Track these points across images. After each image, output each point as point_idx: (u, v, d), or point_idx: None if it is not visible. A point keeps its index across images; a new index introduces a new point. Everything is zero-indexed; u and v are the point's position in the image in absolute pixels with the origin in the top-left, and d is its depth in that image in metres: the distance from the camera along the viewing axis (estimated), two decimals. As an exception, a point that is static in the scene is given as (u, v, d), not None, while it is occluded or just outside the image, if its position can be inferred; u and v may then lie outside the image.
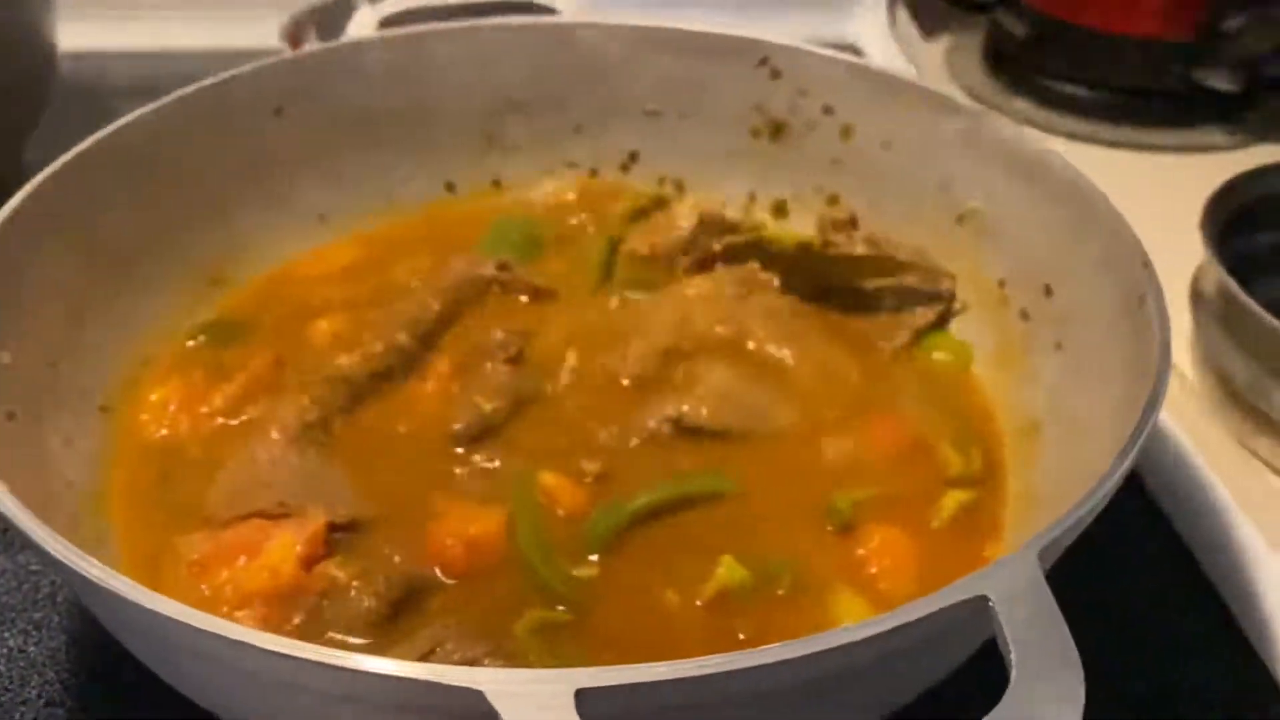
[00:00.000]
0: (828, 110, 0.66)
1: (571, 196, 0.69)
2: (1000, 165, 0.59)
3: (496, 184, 0.70)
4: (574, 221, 0.68)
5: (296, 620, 0.45)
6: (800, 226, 0.67)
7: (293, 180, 0.65)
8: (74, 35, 0.82)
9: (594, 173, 0.71)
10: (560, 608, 0.46)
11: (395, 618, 0.45)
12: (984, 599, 0.33)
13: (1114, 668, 0.49)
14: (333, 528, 0.48)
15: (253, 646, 0.32)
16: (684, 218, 0.65)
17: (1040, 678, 0.31)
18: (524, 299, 0.62)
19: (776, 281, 0.62)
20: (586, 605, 0.46)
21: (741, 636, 0.45)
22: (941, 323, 0.61)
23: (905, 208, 0.64)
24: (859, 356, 0.59)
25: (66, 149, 0.55)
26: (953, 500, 0.51)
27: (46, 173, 0.53)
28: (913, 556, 0.49)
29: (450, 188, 0.70)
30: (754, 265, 0.63)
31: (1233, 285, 0.60)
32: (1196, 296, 0.66)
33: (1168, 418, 0.63)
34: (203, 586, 0.46)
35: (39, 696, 0.48)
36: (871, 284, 0.62)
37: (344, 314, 0.60)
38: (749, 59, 0.67)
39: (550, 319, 0.61)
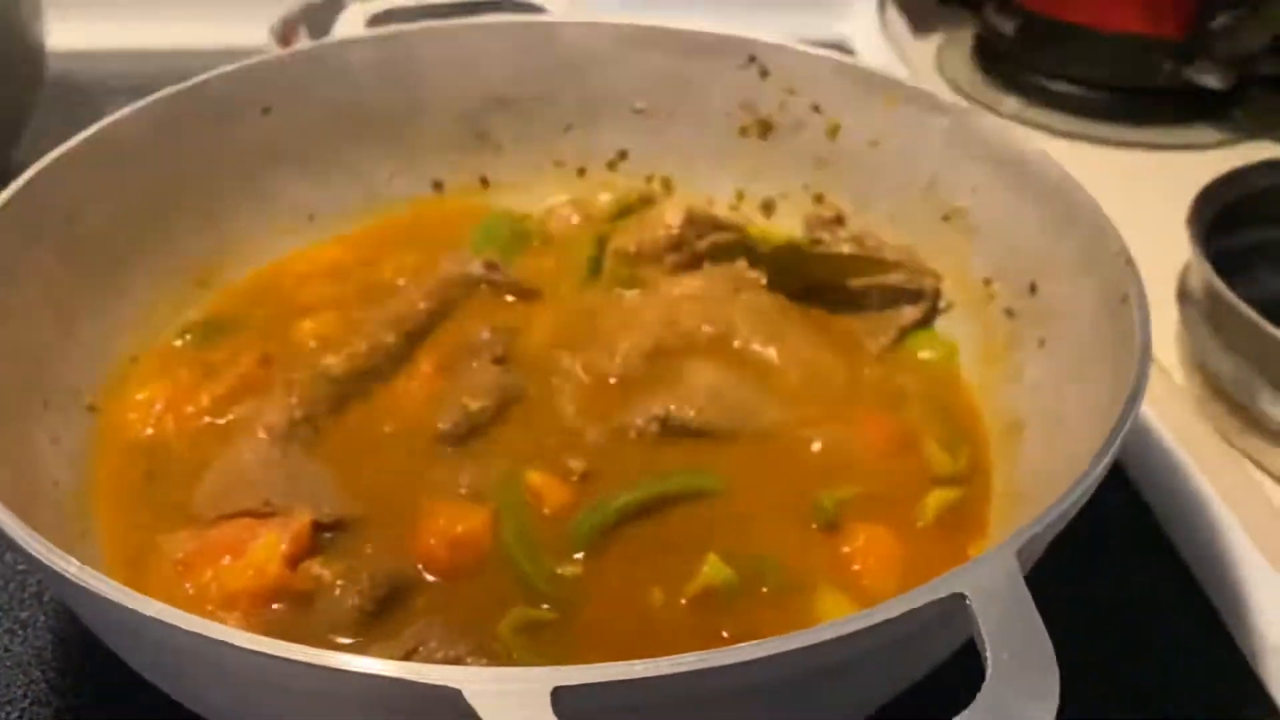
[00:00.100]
0: (815, 109, 0.66)
1: (559, 195, 0.69)
2: (985, 163, 0.59)
3: (484, 182, 0.70)
4: (561, 220, 0.68)
5: (281, 619, 0.45)
6: (787, 225, 0.68)
7: (281, 179, 0.65)
8: (62, 33, 0.82)
9: (582, 171, 0.71)
10: (545, 606, 0.46)
11: (380, 616, 0.45)
12: (961, 596, 0.33)
13: (1100, 665, 0.50)
14: (318, 527, 0.48)
15: (232, 645, 0.32)
16: (671, 216, 0.65)
17: (1015, 675, 0.31)
18: (511, 298, 0.62)
19: (763, 280, 0.62)
20: (571, 603, 0.46)
21: (726, 635, 0.45)
22: (927, 321, 0.61)
23: (892, 206, 0.64)
24: (845, 355, 0.59)
25: (54, 147, 0.55)
26: (937, 498, 0.52)
27: (33, 171, 0.53)
28: (897, 555, 0.49)
29: (438, 186, 0.70)
30: (741, 263, 0.63)
31: (1218, 283, 0.60)
32: (1183, 294, 0.66)
33: (1154, 414, 0.63)
34: (188, 585, 0.46)
35: (25, 696, 0.48)
36: (858, 282, 0.62)
37: (331, 313, 0.60)
38: (737, 57, 0.67)
39: (537, 317, 0.61)
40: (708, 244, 0.64)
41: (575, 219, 0.68)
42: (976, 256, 0.60)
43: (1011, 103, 0.94)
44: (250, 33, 0.77)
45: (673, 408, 0.54)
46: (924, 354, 0.60)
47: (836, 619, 0.32)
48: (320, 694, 0.34)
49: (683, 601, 0.46)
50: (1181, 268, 0.67)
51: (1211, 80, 0.86)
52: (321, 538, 0.48)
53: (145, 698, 0.41)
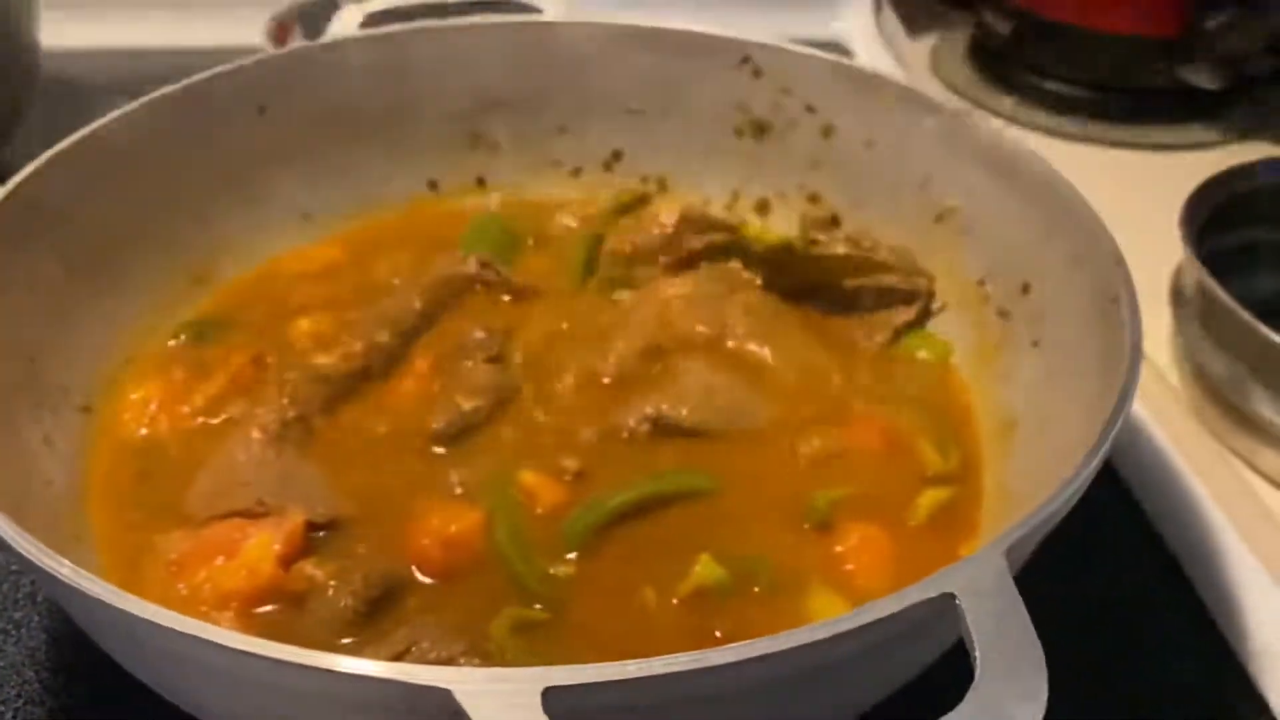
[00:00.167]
0: (809, 109, 0.66)
1: (554, 194, 0.69)
2: (978, 164, 0.59)
3: (480, 182, 0.70)
4: (556, 220, 0.68)
5: (274, 619, 0.45)
6: (782, 225, 0.68)
7: (275, 179, 0.65)
8: (57, 32, 0.82)
9: (577, 171, 0.71)
10: (538, 606, 0.46)
11: (373, 617, 0.45)
12: (950, 596, 0.33)
13: (1091, 665, 0.50)
14: (311, 527, 0.48)
15: (224, 646, 0.32)
16: (666, 216, 0.65)
17: (1004, 676, 0.31)
18: (505, 297, 0.62)
19: (758, 280, 0.63)
20: (564, 603, 0.46)
21: (718, 634, 0.46)
22: (921, 321, 0.61)
23: (886, 206, 0.64)
24: (839, 355, 0.59)
25: (48, 146, 0.55)
26: (930, 498, 0.52)
27: (27, 170, 0.53)
28: (890, 555, 0.50)
29: (433, 186, 0.70)
30: (735, 264, 0.63)
31: (1211, 283, 0.61)
32: (1176, 294, 0.66)
33: (1146, 414, 0.64)
34: (181, 586, 0.47)
35: (18, 696, 0.48)
36: (852, 283, 0.62)
37: (325, 313, 0.60)
38: (731, 58, 0.67)
39: (531, 317, 0.61)
40: (702, 244, 0.64)
41: (570, 219, 0.68)
42: (970, 257, 0.60)
43: (1007, 102, 0.94)
44: (245, 32, 0.77)
45: (666, 407, 0.54)
46: (917, 354, 0.60)
47: (826, 619, 0.33)
48: (312, 695, 0.34)
49: (675, 601, 0.46)
50: (1175, 267, 0.67)
51: (1205, 80, 0.86)
52: (314, 538, 0.48)
53: (138, 698, 0.41)
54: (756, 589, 0.47)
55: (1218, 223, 0.66)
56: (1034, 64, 0.93)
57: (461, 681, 0.31)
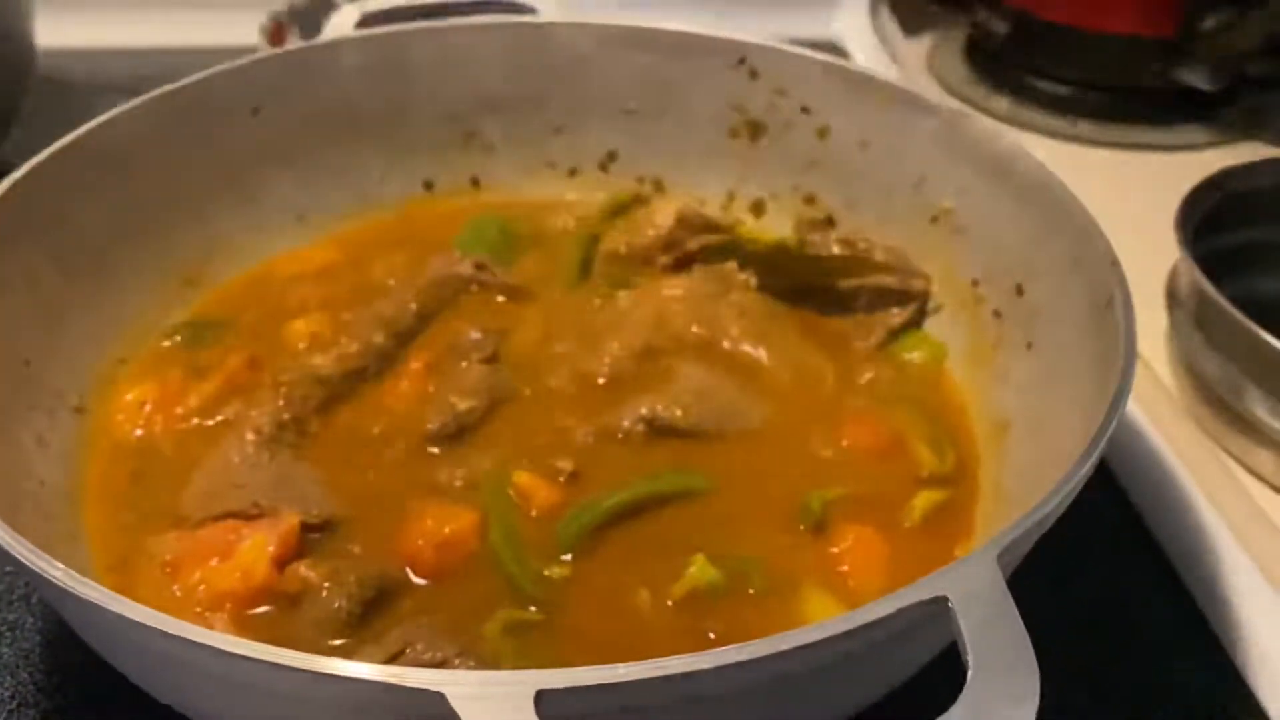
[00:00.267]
0: (805, 110, 0.66)
1: (549, 195, 0.69)
2: (973, 165, 0.59)
3: (475, 182, 0.70)
4: (552, 220, 0.68)
5: (268, 621, 0.45)
6: (778, 226, 0.68)
7: (270, 179, 0.65)
8: (52, 32, 0.82)
9: (573, 171, 0.71)
10: (532, 608, 0.46)
11: (367, 618, 0.45)
12: (943, 599, 0.33)
13: (1085, 667, 0.50)
14: (306, 528, 0.48)
15: (216, 649, 0.32)
16: (662, 217, 0.66)
17: (996, 678, 0.31)
18: (501, 298, 0.62)
19: (753, 281, 0.63)
20: (559, 605, 0.46)
21: (712, 636, 0.46)
22: (916, 322, 0.61)
23: (881, 207, 0.64)
24: (834, 356, 0.59)
25: (43, 146, 0.55)
26: (925, 499, 0.52)
27: (21, 171, 0.53)
28: (885, 556, 0.50)
29: (429, 187, 0.70)
30: (731, 264, 0.63)
31: (1206, 284, 0.61)
32: (1172, 295, 0.66)
33: (1141, 415, 0.64)
34: (175, 587, 0.47)
35: (12, 697, 0.48)
36: (847, 284, 0.62)
37: (320, 314, 0.60)
38: (727, 58, 0.67)
39: (527, 318, 0.61)
40: (698, 245, 0.65)
41: (566, 219, 0.68)
42: (964, 258, 0.60)
43: (1003, 103, 0.94)
44: (241, 32, 0.77)
45: (661, 408, 0.54)
46: (912, 355, 0.60)
47: (817, 622, 0.33)
48: (304, 697, 0.34)
49: (670, 603, 0.46)
50: (1170, 269, 0.67)
51: (1201, 81, 0.87)
52: (309, 539, 0.48)
53: (132, 700, 0.41)
54: (751, 590, 0.47)
55: (1213, 224, 0.65)
56: (1030, 64, 0.93)
57: (454, 684, 0.31)
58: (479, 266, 0.63)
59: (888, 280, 0.61)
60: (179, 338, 0.59)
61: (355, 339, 0.57)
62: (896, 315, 0.61)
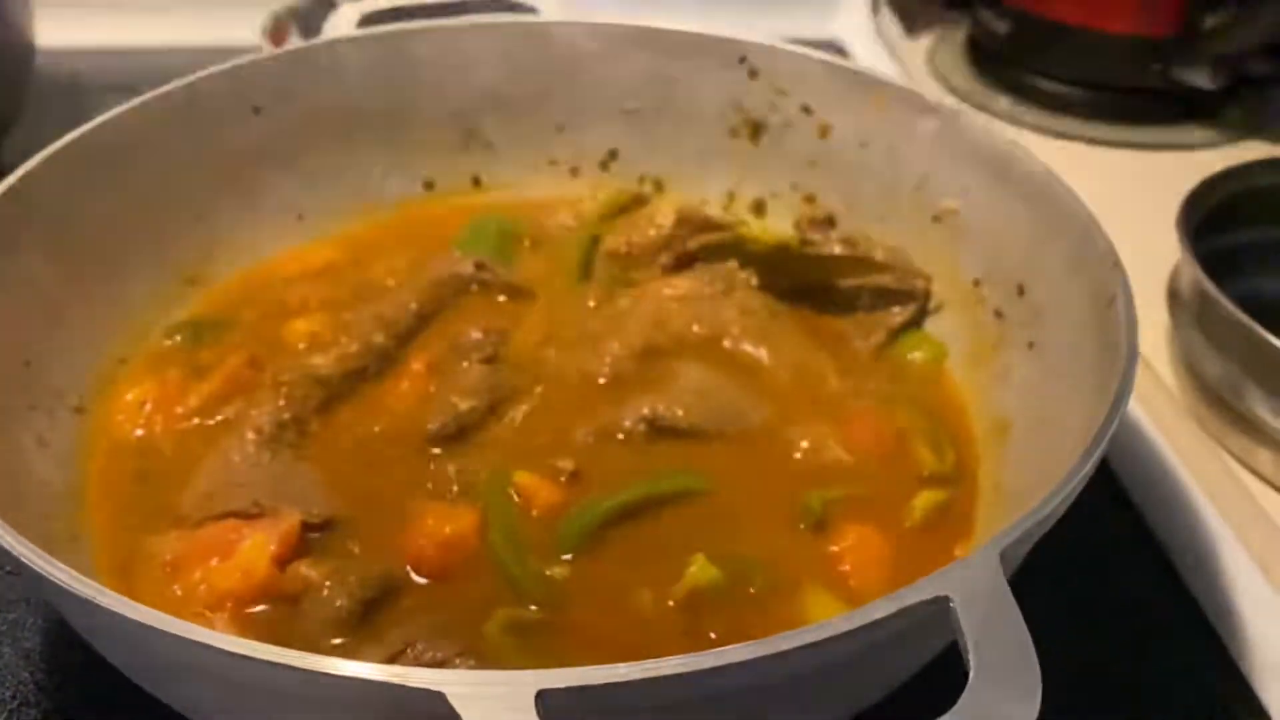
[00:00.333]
0: (806, 109, 0.66)
1: (550, 194, 0.69)
2: (974, 164, 0.59)
3: (476, 182, 0.70)
4: (553, 220, 0.68)
5: (269, 620, 0.45)
6: (778, 225, 0.68)
7: (271, 179, 0.65)
8: (52, 31, 0.82)
9: (574, 171, 0.71)
10: (533, 607, 0.46)
11: (368, 617, 0.45)
12: (945, 599, 0.33)
13: (1086, 667, 0.50)
14: (306, 528, 0.48)
15: (217, 649, 0.32)
16: (663, 216, 0.66)
17: (997, 678, 0.31)
18: (502, 298, 0.62)
19: (754, 280, 0.62)
20: (559, 605, 0.46)
21: (713, 635, 0.46)
22: (917, 322, 0.61)
23: (882, 207, 0.64)
24: (835, 355, 0.59)
25: (43, 146, 0.55)
26: (926, 499, 0.52)
27: (21, 171, 0.53)
28: (886, 555, 0.50)
29: (429, 186, 0.70)
30: (732, 264, 0.63)
31: (1208, 283, 0.60)
32: (1173, 295, 0.66)
33: (1143, 415, 0.64)
34: (176, 587, 0.46)
35: (14, 697, 0.48)
36: (848, 283, 0.62)
37: (321, 314, 0.60)
38: (727, 58, 0.67)
39: (527, 318, 0.61)
40: (698, 244, 0.65)
41: (567, 219, 0.68)
42: (965, 258, 0.60)
43: (1003, 102, 0.94)
44: (241, 32, 0.77)
45: (662, 408, 0.54)
46: (913, 355, 0.60)
47: (818, 622, 0.33)
48: (305, 697, 0.34)
49: (670, 603, 0.46)
50: (1171, 268, 0.67)
51: (1202, 80, 0.86)
52: (310, 539, 0.48)
53: (133, 699, 0.41)
54: (752, 590, 0.47)
55: (1215, 223, 0.65)
56: (1031, 64, 0.93)
57: (454, 684, 0.31)
58: (479, 266, 0.63)
59: (888, 280, 0.61)
60: (179, 337, 0.59)
61: (356, 339, 0.57)
62: (897, 315, 0.61)
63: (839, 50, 1.00)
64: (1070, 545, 0.44)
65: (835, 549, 0.49)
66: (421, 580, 0.47)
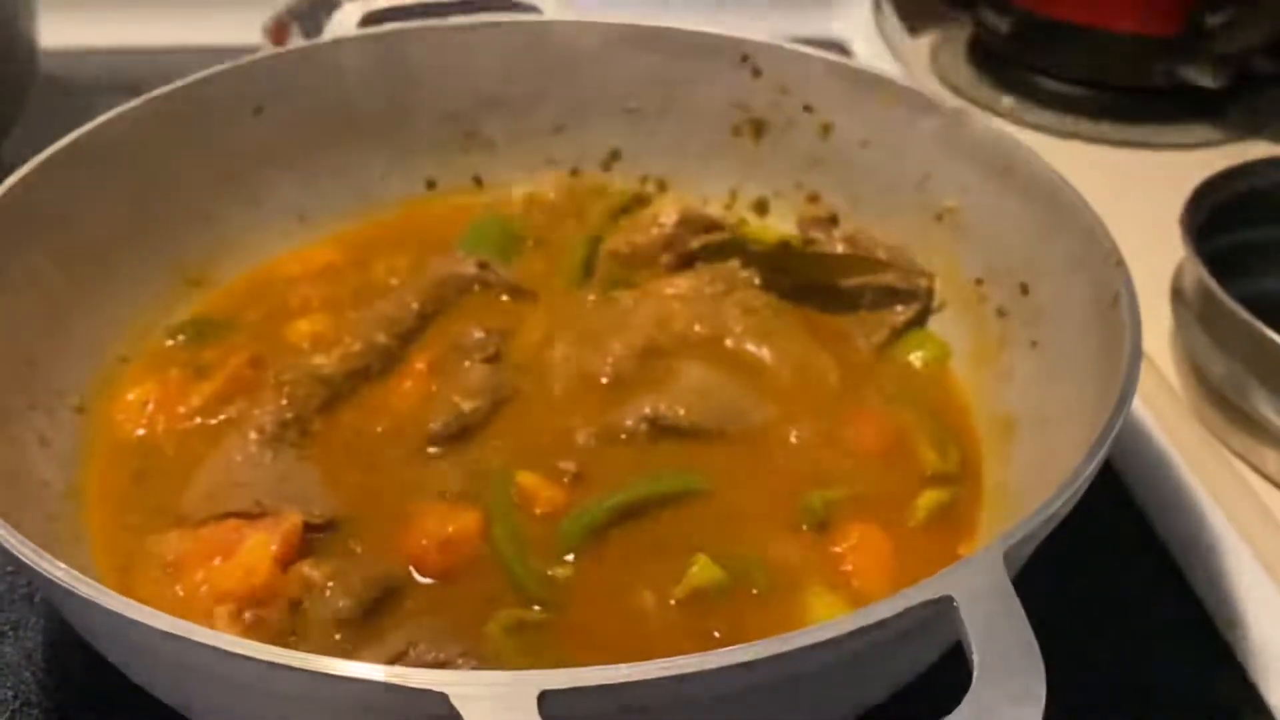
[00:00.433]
0: (808, 108, 0.66)
1: (552, 194, 0.69)
2: (977, 163, 0.59)
3: (477, 181, 0.70)
4: (555, 220, 0.68)
5: (271, 620, 0.45)
6: (781, 224, 0.68)
7: (273, 179, 0.65)
8: (55, 32, 0.82)
9: (575, 171, 0.71)
10: (535, 607, 0.46)
11: (370, 618, 0.45)
12: (948, 599, 0.33)
13: (1090, 668, 0.50)
14: (308, 528, 0.48)
15: (216, 649, 0.32)
16: (665, 216, 0.66)
17: (1001, 679, 0.31)
18: (504, 298, 0.62)
19: (756, 279, 0.62)
20: (562, 605, 0.46)
21: (716, 635, 0.45)
22: (920, 321, 0.61)
23: (884, 206, 0.64)
24: (838, 354, 0.59)
25: (45, 146, 0.55)
26: (929, 499, 0.51)
27: (23, 170, 0.53)
28: (889, 555, 0.49)
29: (431, 186, 0.69)
30: (734, 263, 0.63)
31: (1212, 282, 0.60)
32: (1177, 294, 0.66)
33: (1147, 414, 0.63)
34: (177, 587, 0.46)
35: (15, 697, 0.48)
36: (850, 282, 0.62)
37: (323, 314, 0.60)
38: (729, 57, 0.67)
39: (530, 318, 0.61)
40: (701, 244, 0.64)
41: (569, 219, 0.68)
42: (968, 256, 0.60)
43: (1006, 101, 0.93)
44: (243, 32, 0.77)
45: (664, 408, 0.54)
46: (916, 354, 0.60)
47: (821, 622, 0.32)
48: (306, 698, 0.34)
49: (673, 602, 0.46)
50: (1175, 267, 0.67)
51: (1206, 79, 0.86)
52: (312, 539, 0.48)
53: (135, 700, 0.41)
54: (754, 590, 0.47)
55: (1218, 222, 0.65)
56: (1034, 63, 0.93)
57: (456, 685, 0.31)
58: (481, 266, 0.62)
59: (891, 279, 0.61)
60: (181, 337, 0.59)
61: (358, 338, 0.57)
62: (900, 314, 0.60)
63: (841, 49, 1.00)
64: (1074, 545, 0.44)
65: (838, 549, 0.49)
66: (424, 580, 0.47)
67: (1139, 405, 0.64)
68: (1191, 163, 0.78)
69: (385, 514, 0.49)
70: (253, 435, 0.52)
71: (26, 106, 0.80)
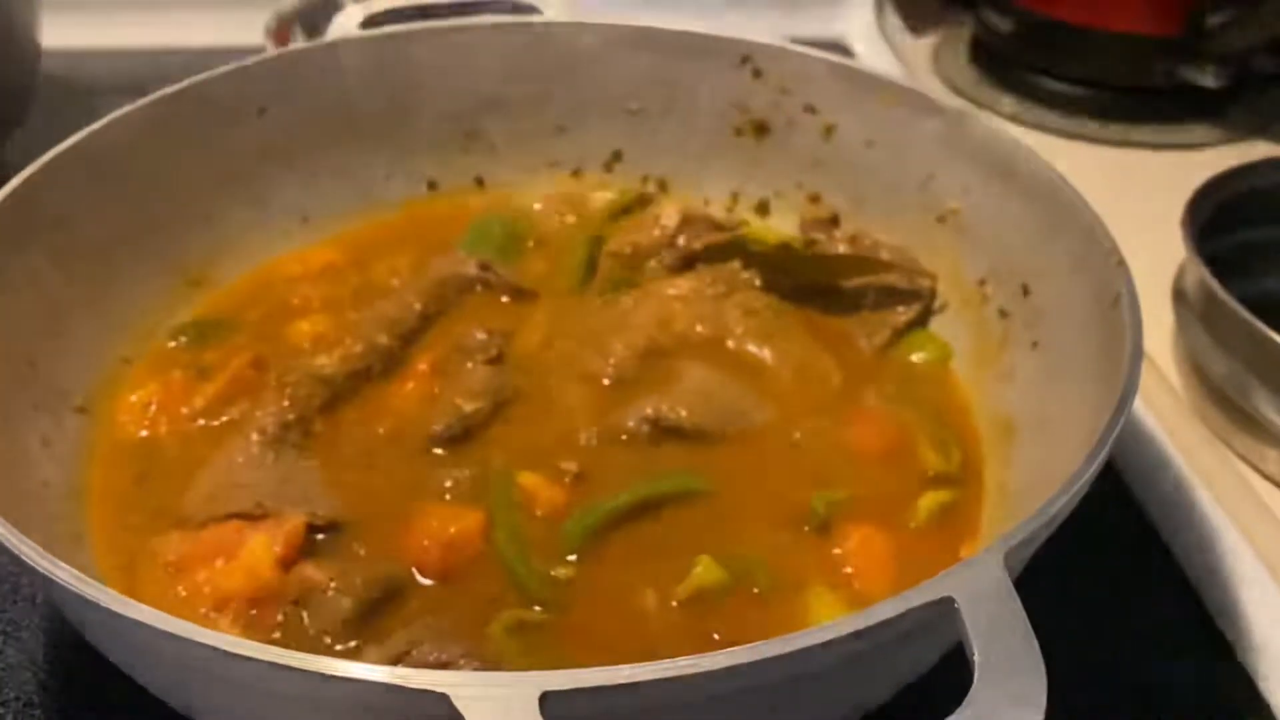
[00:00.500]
0: (809, 109, 0.66)
1: (554, 195, 0.69)
2: (979, 164, 0.59)
3: (479, 182, 0.70)
4: (556, 220, 0.68)
5: (273, 621, 0.45)
6: (783, 225, 0.68)
7: (275, 180, 0.65)
8: (57, 33, 0.82)
9: (577, 172, 0.71)
10: (537, 608, 0.46)
11: (372, 619, 0.45)
12: (950, 600, 0.33)
13: (1092, 668, 0.50)
14: (311, 529, 0.48)
15: (218, 649, 0.32)
16: (666, 217, 0.66)
17: (1002, 680, 0.31)
18: (505, 299, 0.62)
19: (758, 280, 0.62)
20: (564, 605, 0.46)
21: (717, 636, 0.46)
22: (922, 321, 0.61)
23: (886, 206, 0.64)
24: (839, 355, 0.59)
25: (48, 147, 0.55)
26: (931, 500, 0.52)
27: (26, 172, 0.53)
28: (890, 556, 0.49)
29: (433, 187, 0.70)
30: (735, 264, 0.63)
31: (1213, 283, 0.60)
32: (1178, 294, 0.66)
33: (1148, 415, 0.63)
34: (180, 588, 0.46)
35: (17, 698, 0.48)
36: (852, 283, 0.62)
37: (325, 315, 0.60)
38: (731, 58, 0.67)
39: (531, 319, 0.61)
40: (702, 245, 0.64)
41: (571, 219, 0.68)
42: (970, 257, 0.60)
43: (1008, 102, 0.93)
44: (245, 33, 0.77)
45: (665, 409, 0.54)
46: (918, 355, 0.60)
47: (825, 622, 0.32)
48: (308, 698, 0.34)
49: (675, 603, 0.46)
50: (1176, 267, 0.67)
51: (1207, 79, 0.86)
52: (314, 540, 0.48)
53: (137, 701, 0.41)
54: (756, 591, 0.47)
55: (1220, 222, 0.65)
56: (1036, 63, 0.93)
57: (459, 685, 0.31)
58: (483, 267, 0.63)
59: (893, 279, 0.61)
60: (183, 338, 0.59)
61: (360, 339, 0.57)
62: (902, 314, 0.60)
63: (843, 50, 1.00)
64: (1076, 545, 0.44)
65: (839, 550, 0.49)
66: (426, 581, 0.47)
67: (1140, 406, 0.64)
68: (1193, 163, 0.78)
69: (387, 515, 0.50)
70: (255, 436, 0.52)
71: (29, 107, 0.80)
